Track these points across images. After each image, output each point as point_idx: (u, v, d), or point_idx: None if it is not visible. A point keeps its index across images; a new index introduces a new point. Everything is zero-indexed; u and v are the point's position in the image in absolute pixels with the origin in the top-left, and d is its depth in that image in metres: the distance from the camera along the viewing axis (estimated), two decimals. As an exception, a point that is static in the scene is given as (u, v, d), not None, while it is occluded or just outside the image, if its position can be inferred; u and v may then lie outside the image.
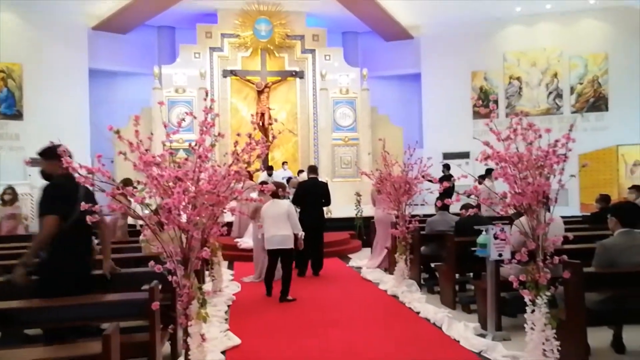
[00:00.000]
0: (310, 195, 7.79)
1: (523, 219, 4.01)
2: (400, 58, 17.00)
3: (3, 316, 3.29)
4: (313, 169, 8.52)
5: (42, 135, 11.46)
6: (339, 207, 13.34)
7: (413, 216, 6.82)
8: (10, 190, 9.01)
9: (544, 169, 3.58)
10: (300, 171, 9.16)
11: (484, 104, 15.35)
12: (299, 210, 8.13)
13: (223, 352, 4.37)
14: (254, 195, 7.78)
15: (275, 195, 6.44)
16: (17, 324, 3.34)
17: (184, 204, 3.23)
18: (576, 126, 3.77)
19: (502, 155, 3.65)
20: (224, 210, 3.53)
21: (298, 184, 8.94)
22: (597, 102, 15.32)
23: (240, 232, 10.23)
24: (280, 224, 6.27)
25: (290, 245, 6.37)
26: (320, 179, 8.71)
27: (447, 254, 6.05)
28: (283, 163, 14.41)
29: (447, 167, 11.97)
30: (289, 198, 7.94)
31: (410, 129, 16.31)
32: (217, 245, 6.71)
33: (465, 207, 5.78)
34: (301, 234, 6.54)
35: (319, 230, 8.05)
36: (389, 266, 7.95)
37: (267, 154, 14.51)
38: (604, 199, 7.25)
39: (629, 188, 7.70)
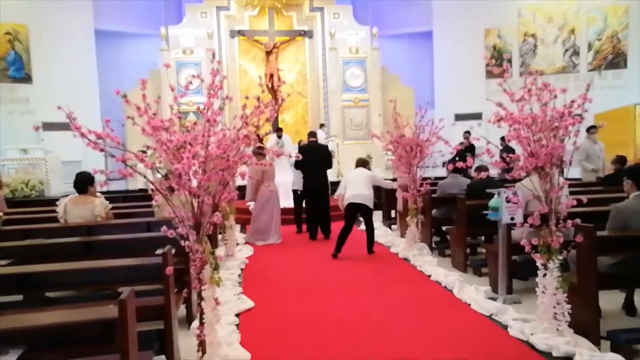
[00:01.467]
0: (311, 158, 7.79)
1: (526, 180, 3.97)
2: (411, 16, 16.57)
3: (23, 279, 3.37)
4: (312, 134, 8.61)
5: (51, 100, 11.50)
6: (350, 170, 13.36)
7: (424, 179, 6.78)
8: None
9: (558, 130, 3.52)
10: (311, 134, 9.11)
11: (497, 63, 15.17)
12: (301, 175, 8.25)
13: (237, 315, 4.46)
14: (268, 158, 7.88)
15: (361, 164, 7.18)
16: (37, 287, 3.43)
17: (194, 168, 3.23)
18: (592, 85, 3.66)
19: (516, 116, 3.58)
20: (235, 175, 3.53)
21: (298, 148, 9.01)
22: (615, 59, 14.89)
23: (253, 196, 10.27)
24: (363, 185, 6.78)
25: (369, 202, 6.77)
26: (320, 142, 8.76)
27: (458, 217, 6.05)
28: (321, 125, 14.28)
29: (468, 133, 11.00)
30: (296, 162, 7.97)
31: (421, 89, 16.05)
32: (229, 210, 6.76)
33: (479, 169, 5.75)
34: (392, 184, 7.46)
35: (322, 193, 8.13)
36: (399, 229, 8.00)
37: (276, 117, 14.53)
38: (620, 160, 7.14)
39: None
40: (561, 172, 3.71)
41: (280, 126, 12.52)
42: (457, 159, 4.90)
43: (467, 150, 8.56)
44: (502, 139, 10.61)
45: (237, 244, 7.33)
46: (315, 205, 8.15)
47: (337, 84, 15.43)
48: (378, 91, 15.43)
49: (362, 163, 7.19)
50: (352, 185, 6.84)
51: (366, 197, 6.76)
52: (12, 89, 13.44)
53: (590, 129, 8.61)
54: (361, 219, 7.03)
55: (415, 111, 7.03)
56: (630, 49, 14.73)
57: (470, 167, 4.08)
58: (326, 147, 8.71)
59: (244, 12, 15.29)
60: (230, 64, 15.05)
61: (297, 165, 8.28)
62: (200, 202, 3.27)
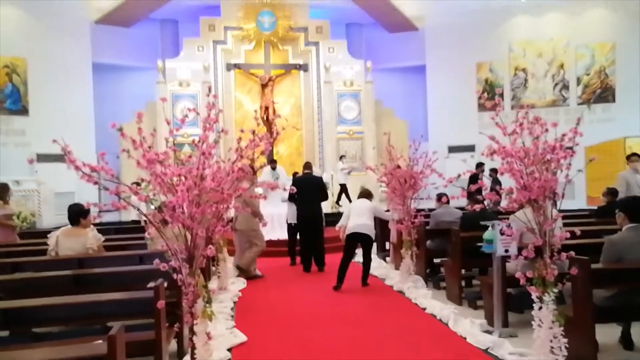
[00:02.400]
0: (305, 190, 7.78)
1: (520, 213, 3.98)
2: (404, 50, 16.91)
3: (10, 314, 3.30)
4: (307, 165, 8.65)
5: (47, 132, 11.53)
6: (344, 201, 13.36)
7: (418, 211, 6.80)
8: None
9: (550, 163, 3.55)
10: (306, 165, 9.14)
11: (489, 96, 15.37)
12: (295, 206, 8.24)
13: (229, 350, 4.37)
14: (260, 190, 7.88)
15: (364, 195, 7.16)
16: (25, 322, 3.36)
17: (188, 201, 3.22)
18: (582, 118, 3.72)
19: (508, 150, 3.62)
20: (229, 207, 3.53)
21: (292, 180, 9.02)
22: (603, 93, 15.20)
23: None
24: (365, 216, 6.77)
25: (371, 232, 6.74)
26: (315, 174, 8.79)
27: (452, 250, 6.02)
28: (341, 157, 14.51)
29: (480, 167, 9.98)
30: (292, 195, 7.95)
31: (415, 122, 16.25)
32: (223, 242, 6.72)
33: (473, 200, 5.76)
34: (395, 217, 7.12)
35: (316, 225, 8.11)
36: (394, 262, 7.95)
37: (271, 149, 14.62)
38: (611, 192, 7.18)
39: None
40: (554, 205, 3.73)
41: (274, 158, 12.58)
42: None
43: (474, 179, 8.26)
44: (492, 170, 10.55)
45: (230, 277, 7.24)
46: (309, 237, 8.11)
47: (332, 116, 15.60)
48: (372, 124, 15.60)
49: (366, 194, 7.17)
50: (355, 215, 6.82)
51: (368, 227, 6.74)
52: (9, 120, 13.47)
53: (631, 157, 7.93)
54: (358, 250, 6.96)
55: (409, 143, 7.10)
56: (618, 83, 15.05)
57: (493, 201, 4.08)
58: (320, 178, 8.75)
59: (240, 46, 15.56)
60: (226, 97, 15.22)
61: (291, 197, 8.28)
62: (193, 234, 3.26)
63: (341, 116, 15.71)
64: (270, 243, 8.55)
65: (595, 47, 15.26)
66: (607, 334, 4.14)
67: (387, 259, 8.72)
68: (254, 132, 3.55)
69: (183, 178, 3.21)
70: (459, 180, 4.26)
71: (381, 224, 8.48)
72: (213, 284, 6.59)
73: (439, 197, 7.10)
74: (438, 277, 6.83)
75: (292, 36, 15.68)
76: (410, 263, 6.60)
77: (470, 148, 14.53)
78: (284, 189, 6.23)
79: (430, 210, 7.69)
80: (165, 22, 16.45)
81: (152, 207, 3.52)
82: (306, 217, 8.10)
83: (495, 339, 4.31)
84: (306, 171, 8.47)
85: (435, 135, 15.65)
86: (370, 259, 6.90)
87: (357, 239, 6.76)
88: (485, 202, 3.92)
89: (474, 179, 8.50)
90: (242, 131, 3.61)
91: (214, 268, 6.96)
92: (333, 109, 15.62)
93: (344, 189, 13.65)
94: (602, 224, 5.94)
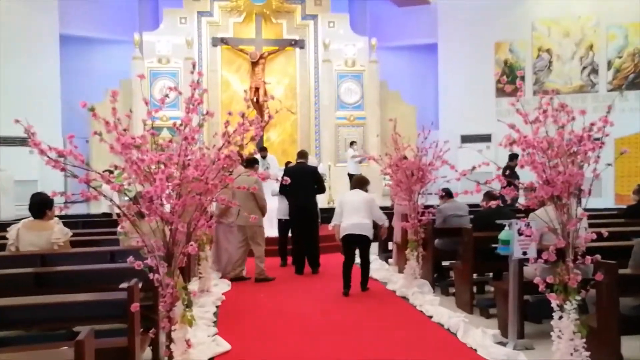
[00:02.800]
0: (298, 181, 7.74)
1: (541, 211, 3.99)
2: (414, 26, 16.85)
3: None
4: (302, 154, 8.63)
5: (7, 111, 11.47)
6: (342, 194, 13.36)
7: (426, 207, 6.81)
8: None
9: (577, 156, 3.56)
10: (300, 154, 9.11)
11: (509, 80, 15.39)
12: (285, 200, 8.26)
13: (211, 359, 4.39)
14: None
15: (358, 184, 7.05)
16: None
17: (167, 192, 3.22)
18: (613, 106, 3.73)
19: (530, 140, 3.63)
20: (214, 200, 3.53)
21: (284, 170, 9.02)
22: (637, 79, 15.21)
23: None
24: (361, 213, 6.61)
25: (368, 232, 6.64)
26: (310, 164, 8.78)
27: (464, 251, 6.05)
28: (351, 143, 14.33)
29: (514, 159, 9.77)
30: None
31: (424, 107, 16.23)
32: (206, 239, 6.73)
33: (488, 196, 5.78)
34: (386, 223, 7.02)
35: (310, 221, 8.12)
36: (397, 263, 7.98)
37: (262, 135, 14.53)
38: (643, 190, 7.22)
39: None
40: (579, 202, 3.74)
41: (265, 145, 12.57)
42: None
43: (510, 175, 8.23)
44: (511, 157, 10.56)
45: (213, 278, 7.25)
46: (302, 234, 8.12)
47: (331, 99, 15.58)
48: (376, 108, 15.59)
49: (360, 183, 7.01)
50: (348, 211, 6.66)
51: (365, 226, 6.62)
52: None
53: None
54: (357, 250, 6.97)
55: (417, 132, 7.09)
56: (654, 68, 15.06)
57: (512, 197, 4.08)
58: (315, 168, 8.73)
59: (228, 19, 15.48)
60: (212, 76, 15.15)
61: (282, 189, 8.28)
62: (173, 229, 3.26)
63: (341, 99, 15.69)
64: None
65: (629, 27, 15.23)
66: (633, 347, 4.17)
67: (390, 260, 8.75)
68: (243, 116, 3.55)
69: (162, 165, 3.20)
70: (473, 174, 4.28)
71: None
72: (194, 286, 6.60)
73: (444, 193, 7.09)
74: (447, 281, 6.87)
75: (287, 8, 15.60)
76: (416, 265, 6.63)
77: (486, 138, 14.53)
78: (276, 180, 6.21)
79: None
80: (143, -11, 16.35)
81: (127, 197, 3.53)
82: (299, 211, 8.11)
83: (509, 351, 4.34)
84: (300, 160, 8.47)
85: (447, 122, 15.64)
86: (368, 262, 6.90)
87: (353, 242, 6.72)
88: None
89: (509, 171, 8.51)
90: (229, 114, 3.61)
91: (195, 268, 6.96)
92: (332, 91, 15.59)
93: None
94: (632, 225, 5.97)
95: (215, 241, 7.58)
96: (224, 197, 3.46)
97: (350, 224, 6.61)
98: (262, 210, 7.63)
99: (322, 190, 8.39)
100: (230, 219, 7.64)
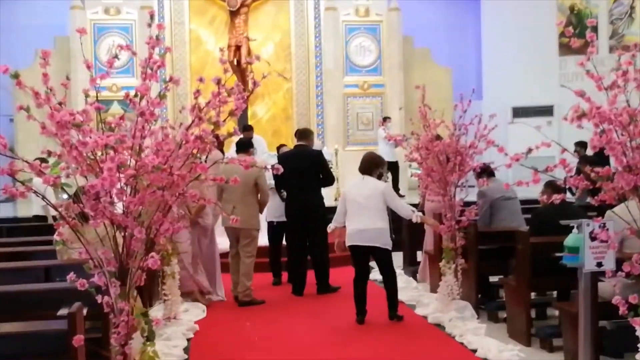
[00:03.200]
0: (296, 169, 7.72)
1: (621, 207, 3.98)
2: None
3: None
4: (302, 133, 8.62)
5: None
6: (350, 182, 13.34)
7: (467, 204, 6.79)
8: None
9: (669, 133, 3.55)
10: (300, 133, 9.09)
11: (576, 32, 15.27)
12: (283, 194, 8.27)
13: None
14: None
15: (367, 169, 6.71)
16: None
17: (119, 186, 3.22)
18: None
19: (605, 112, 3.61)
20: (182, 196, 3.53)
21: (278, 156, 8.99)
22: None
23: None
24: (372, 211, 6.45)
25: (383, 241, 6.51)
26: (314, 148, 8.77)
27: (518, 261, 6.04)
28: (385, 119, 14.05)
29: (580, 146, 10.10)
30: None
31: (462, 70, 16.22)
32: (172, 250, 6.74)
33: (551, 187, 5.73)
34: (416, 215, 6.69)
35: (314, 223, 8.09)
36: (430, 280, 7.98)
37: (246, 107, 14.39)
38: None
39: None
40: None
41: (249, 123, 12.55)
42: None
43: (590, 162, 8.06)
44: (579, 144, 10.56)
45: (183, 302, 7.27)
46: (302, 242, 8.12)
47: (337, 61, 15.54)
48: (398, 73, 15.55)
49: (369, 166, 6.73)
50: (353, 210, 6.57)
51: (378, 232, 6.50)
52: None
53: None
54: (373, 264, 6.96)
55: (453, 103, 7.07)
56: None
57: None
58: (319, 152, 8.70)
59: (197, -46, 15.46)
60: (177, 31, 15.15)
61: (278, 182, 8.24)
62: (127, 236, 3.25)
63: (351, 61, 15.66)
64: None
65: None
66: None
67: (418, 276, 8.76)
68: (219, 83, 3.53)
69: (112, 151, 3.19)
70: (529, 158, 4.25)
71: (410, 223, 8.45)
72: (157, 312, 6.61)
73: (483, 170, 6.94)
74: (495, 303, 6.87)
75: (277, -62, 15.59)
76: (454, 282, 6.62)
77: (547, 110, 14.53)
78: (265, 168, 6.19)
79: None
80: None
81: (65, 195, 3.52)
82: (299, 210, 8.09)
83: (579, 396, 4.34)
84: (300, 142, 8.42)
85: (494, 90, 15.64)
86: (392, 277, 6.80)
87: (363, 253, 6.67)
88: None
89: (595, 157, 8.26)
90: (200, 80, 3.59)
91: (159, 288, 6.98)
92: (339, 51, 15.56)
93: (393, 170, 13.26)
94: None
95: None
96: (195, 192, 3.44)
97: (355, 229, 6.52)
98: (262, 207, 7.76)
99: (329, 180, 8.32)
100: (207, 219, 7.66)
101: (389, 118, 14.20)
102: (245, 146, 7.78)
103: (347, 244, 6.62)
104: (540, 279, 5.89)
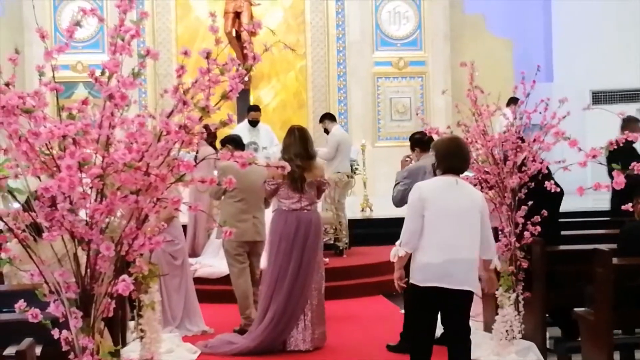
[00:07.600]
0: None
1: None
2: None
3: None
4: (328, 117, 9.27)
5: None
6: (387, 196, 13.33)
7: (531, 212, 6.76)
8: None
9: None
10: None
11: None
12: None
13: None
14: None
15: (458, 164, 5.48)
16: None
17: (81, 189, 3.23)
18: None
19: None
20: (160, 202, 3.53)
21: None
22: None
23: (195, 245, 10.29)
24: (466, 232, 5.39)
25: (474, 284, 5.53)
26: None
27: (598, 290, 6.01)
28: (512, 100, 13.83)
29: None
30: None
31: (525, 44, 16.21)
32: (153, 270, 6.75)
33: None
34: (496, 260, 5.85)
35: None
36: (483, 314, 7.96)
37: (247, 90, 14.44)
38: None
39: None
40: None
41: (255, 104, 12.65)
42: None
43: None
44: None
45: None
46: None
47: (365, 31, 15.59)
48: (444, 46, 15.59)
49: (465, 161, 5.46)
50: (440, 228, 5.26)
51: (472, 267, 5.40)
52: None
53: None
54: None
55: (514, 84, 7.05)
56: None
57: None
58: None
59: None
60: (159, -7, 15.27)
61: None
62: (92, 254, 3.26)
63: (383, 32, 15.69)
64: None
65: None
66: None
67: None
68: (208, 57, 3.52)
69: (71, 144, 3.20)
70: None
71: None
72: (131, 350, 6.65)
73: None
74: (569, 344, 6.82)
75: None
76: (514, 317, 6.60)
77: (634, 95, 14.45)
78: (276, 168, 6.15)
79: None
80: None
81: (13, 203, 3.54)
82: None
83: None
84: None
85: (567, 69, 15.61)
86: (468, 340, 5.55)
87: (441, 300, 5.33)
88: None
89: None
90: (185, 54, 3.59)
91: (134, 320, 7.01)
92: (367, 18, 15.60)
93: None
94: None
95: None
96: (177, 197, 3.44)
97: (441, 261, 5.22)
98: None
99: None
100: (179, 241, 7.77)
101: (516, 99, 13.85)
102: (230, 143, 7.85)
103: (422, 283, 5.31)
104: (626, 311, 5.84)
